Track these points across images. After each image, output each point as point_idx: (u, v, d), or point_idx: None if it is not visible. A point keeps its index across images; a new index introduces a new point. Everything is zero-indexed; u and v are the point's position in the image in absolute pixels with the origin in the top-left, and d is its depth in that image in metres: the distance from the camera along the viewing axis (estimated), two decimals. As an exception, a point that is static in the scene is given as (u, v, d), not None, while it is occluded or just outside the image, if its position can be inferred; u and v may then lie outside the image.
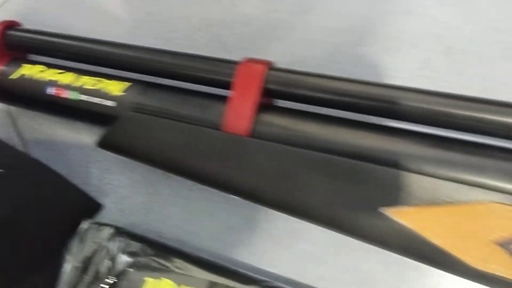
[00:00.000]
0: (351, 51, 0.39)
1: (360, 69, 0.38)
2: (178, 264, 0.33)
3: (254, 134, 0.32)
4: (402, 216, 0.28)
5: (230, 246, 0.37)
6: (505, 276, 0.26)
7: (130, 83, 0.37)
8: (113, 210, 0.41)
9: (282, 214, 0.33)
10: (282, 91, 0.33)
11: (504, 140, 0.27)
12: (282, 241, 0.37)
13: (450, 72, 0.36)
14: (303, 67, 0.33)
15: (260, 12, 0.42)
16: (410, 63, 0.37)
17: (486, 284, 0.28)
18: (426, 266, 0.29)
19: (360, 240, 0.30)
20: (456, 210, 0.27)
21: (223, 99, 0.33)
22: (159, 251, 0.34)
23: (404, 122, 0.29)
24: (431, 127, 0.29)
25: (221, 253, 0.37)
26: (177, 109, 0.34)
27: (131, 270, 0.34)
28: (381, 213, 0.28)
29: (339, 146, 0.30)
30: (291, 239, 0.36)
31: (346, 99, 0.31)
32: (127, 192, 0.41)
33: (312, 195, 0.31)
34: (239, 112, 0.32)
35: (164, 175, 0.39)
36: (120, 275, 0.34)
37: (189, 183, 0.36)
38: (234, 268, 0.35)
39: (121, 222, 0.39)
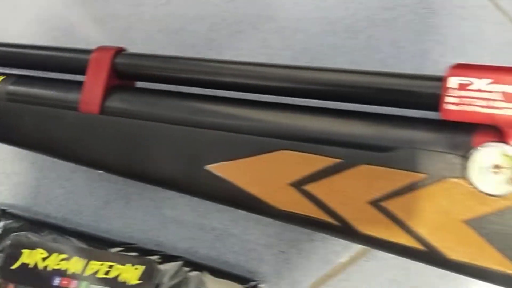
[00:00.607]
0: (205, 36, 0.44)
1: (212, 51, 0.43)
2: (52, 236, 0.38)
3: (104, 111, 0.36)
4: (222, 171, 0.33)
5: (107, 219, 0.42)
6: (302, 213, 0.32)
7: (3, 77, 0.41)
8: (8, 196, 0.45)
9: (149, 185, 0.38)
10: (131, 73, 0.38)
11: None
12: (150, 210, 0.42)
13: (282, 48, 0.41)
14: (165, 52, 0.37)
15: (128, 7, 0.47)
16: (252, 43, 0.42)
17: (292, 223, 0.33)
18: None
19: (195, 196, 0.36)
20: (259, 160, 0.32)
21: (80, 83, 0.37)
22: (36, 227, 0.39)
23: (223, 91, 0.34)
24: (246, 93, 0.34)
25: (100, 226, 0.42)
26: (42, 95, 0.39)
27: (11, 244, 0.38)
28: (206, 170, 0.34)
29: (173, 116, 0.35)
30: (157, 207, 0.41)
31: (185, 75, 0.36)
32: (19, 178, 0.46)
33: (155, 162, 0.36)
34: (90, 93, 0.37)
35: (50, 160, 0.43)
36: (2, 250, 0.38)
37: (71, 165, 0.40)
38: (105, 236, 0.39)
39: (15, 207, 0.43)
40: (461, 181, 0.27)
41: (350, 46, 0.39)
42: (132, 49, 0.37)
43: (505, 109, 0.27)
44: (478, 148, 0.26)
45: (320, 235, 0.37)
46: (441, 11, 0.37)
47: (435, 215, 0.28)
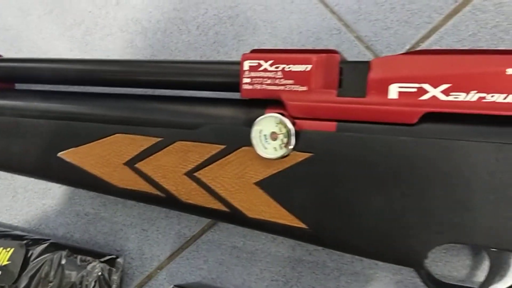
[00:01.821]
0: (81, 40, 0.48)
1: (87, 54, 0.47)
2: None
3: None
4: (70, 157, 0.37)
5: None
6: (137, 189, 0.36)
7: None
8: None
9: (33, 178, 0.42)
10: (7, 76, 0.41)
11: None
12: (34, 201, 0.45)
13: (145, 47, 0.45)
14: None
15: (16, 18, 0.51)
16: (120, 43, 0.46)
17: (131, 199, 0.37)
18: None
19: (55, 182, 0.40)
20: (99, 144, 0.36)
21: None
22: None
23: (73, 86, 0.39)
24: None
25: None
26: None
27: None
28: (58, 157, 0.38)
29: (33, 112, 0.39)
30: (40, 198, 0.45)
31: (48, 74, 0.40)
32: None
33: (24, 152, 0.40)
34: None
35: None
36: None
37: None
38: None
39: None
40: (250, 149, 0.31)
41: (202, 42, 0.44)
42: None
43: (284, 85, 0.31)
44: (258, 119, 0.31)
45: (175, 213, 0.41)
46: (274, 6, 0.42)
47: (233, 179, 0.32)
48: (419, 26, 0.37)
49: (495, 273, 0.30)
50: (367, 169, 0.29)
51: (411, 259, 0.29)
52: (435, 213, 0.28)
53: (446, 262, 0.34)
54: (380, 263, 0.35)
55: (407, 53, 0.30)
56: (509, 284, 0.29)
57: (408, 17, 0.38)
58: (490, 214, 0.27)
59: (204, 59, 0.43)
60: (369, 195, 0.29)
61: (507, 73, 0.26)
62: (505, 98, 0.27)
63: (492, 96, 0.27)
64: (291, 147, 0.30)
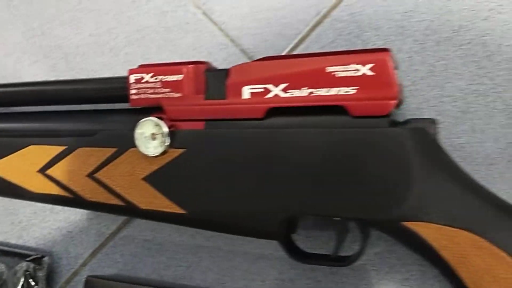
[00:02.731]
0: (12, 68, 0.53)
1: (16, 79, 0.53)
2: None
3: None
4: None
5: None
6: (49, 193, 0.41)
7: None
8: None
9: None
10: None
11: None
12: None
13: (67, 70, 0.51)
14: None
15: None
16: (45, 68, 0.52)
17: (46, 202, 0.42)
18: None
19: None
20: (17, 155, 0.41)
21: None
22: None
23: None
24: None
25: None
26: None
27: None
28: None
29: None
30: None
31: None
32: None
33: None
34: None
35: None
36: None
37: None
38: None
39: None
40: (136, 149, 0.37)
41: (114, 62, 0.50)
42: None
43: (163, 93, 0.37)
44: (139, 123, 0.36)
45: (95, 214, 0.46)
46: (173, 28, 0.48)
47: (125, 177, 0.38)
48: (290, 37, 0.44)
49: (342, 241, 0.35)
50: (230, 158, 0.35)
51: (270, 232, 0.34)
52: (283, 191, 0.33)
53: (316, 236, 0.39)
54: (268, 243, 0.40)
55: (257, 60, 0.35)
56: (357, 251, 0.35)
57: (281, 29, 0.44)
58: (326, 188, 0.32)
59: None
60: (232, 180, 0.35)
61: (327, 70, 0.32)
62: (327, 91, 0.32)
63: (318, 90, 0.33)
64: (167, 144, 0.36)
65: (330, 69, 0.32)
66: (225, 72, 0.36)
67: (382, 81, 0.31)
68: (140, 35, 0.49)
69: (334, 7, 0.42)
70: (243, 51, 0.45)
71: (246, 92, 0.35)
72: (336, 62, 0.32)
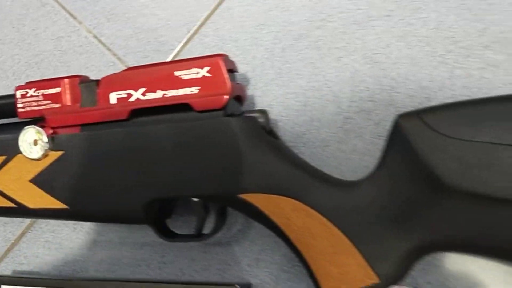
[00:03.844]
0: None
1: None
2: None
3: None
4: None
5: None
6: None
7: None
8: None
9: None
10: None
11: None
12: None
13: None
14: None
15: None
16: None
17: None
18: None
19: None
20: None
21: None
22: None
23: None
24: None
25: None
26: None
27: None
28: None
29: None
30: None
31: None
32: None
33: None
34: None
35: None
36: None
37: None
38: None
39: None
40: (22, 155, 0.42)
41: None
42: None
43: (45, 105, 0.42)
44: (22, 131, 0.42)
45: (2, 221, 0.50)
46: (68, 50, 0.53)
47: (15, 181, 0.43)
48: (167, 53, 0.50)
49: (203, 220, 0.41)
50: (101, 155, 0.40)
51: (138, 217, 0.40)
52: (144, 179, 0.39)
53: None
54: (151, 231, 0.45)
55: (123, 70, 0.42)
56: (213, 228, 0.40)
57: (159, 46, 0.50)
58: (177, 173, 0.38)
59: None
60: (104, 174, 0.40)
61: (175, 74, 0.39)
62: (176, 92, 0.39)
63: (169, 92, 0.39)
64: (47, 148, 0.41)
65: (177, 73, 0.39)
66: (96, 82, 0.41)
67: (217, 80, 0.38)
68: (39, 58, 0.55)
69: (201, 24, 0.49)
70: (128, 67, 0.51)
71: (113, 97, 0.41)
72: (181, 67, 0.39)
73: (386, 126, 0.37)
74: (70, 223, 0.49)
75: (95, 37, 0.53)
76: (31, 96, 0.43)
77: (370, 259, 0.35)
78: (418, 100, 0.41)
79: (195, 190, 0.38)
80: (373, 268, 0.34)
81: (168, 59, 0.50)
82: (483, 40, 0.41)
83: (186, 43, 0.50)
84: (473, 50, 0.41)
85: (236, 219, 0.43)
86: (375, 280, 0.34)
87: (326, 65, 0.44)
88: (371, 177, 0.36)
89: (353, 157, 0.42)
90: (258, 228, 0.42)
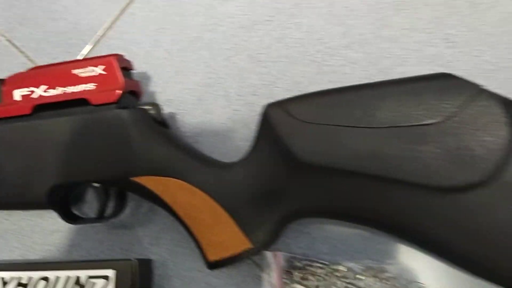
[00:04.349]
0: None
1: None
2: None
3: None
4: None
5: None
6: None
7: None
8: None
9: None
10: None
11: None
12: None
13: None
14: None
15: None
16: None
17: None
18: None
19: None
20: None
21: None
22: None
23: None
24: None
25: None
26: None
27: None
28: None
29: None
30: None
31: None
32: None
33: None
34: None
35: None
36: None
37: None
38: None
39: None
40: None
41: None
42: None
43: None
44: None
45: None
46: (-19, 53, 0.56)
47: None
48: (75, 54, 0.54)
49: (105, 204, 0.45)
50: (8, 147, 0.44)
51: (43, 202, 0.44)
52: (46, 167, 0.43)
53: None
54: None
55: (28, 70, 0.45)
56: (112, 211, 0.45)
57: (67, 48, 0.54)
58: (75, 160, 0.42)
59: None
60: (12, 164, 0.44)
61: (73, 72, 0.43)
62: (74, 89, 0.43)
63: (67, 88, 0.43)
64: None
65: (75, 71, 0.43)
66: (2, 81, 0.45)
67: (111, 77, 0.42)
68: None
69: (108, 28, 0.54)
70: (39, 67, 0.55)
71: (17, 94, 0.44)
72: (79, 66, 0.43)
73: (261, 115, 0.43)
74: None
75: (8, 40, 0.56)
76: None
77: (245, 228, 0.40)
78: (294, 93, 0.47)
79: (92, 175, 0.42)
80: (247, 235, 0.40)
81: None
82: (345, 41, 0.48)
83: (94, 45, 0.54)
84: (337, 50, 0.48)
85: (140, 203, 0.48)
86: (249, 245, 0.40)
87: (217, 64, 0.50)
88: (245, 159, 0.42)
89: (240, 143, 0.47)
90: (159, 211, 0.47)
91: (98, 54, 0.52)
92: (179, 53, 0.51)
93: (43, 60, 0.55)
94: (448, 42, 0.46)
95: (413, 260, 0.41)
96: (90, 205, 0.49)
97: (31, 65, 0.55)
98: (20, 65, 0.55)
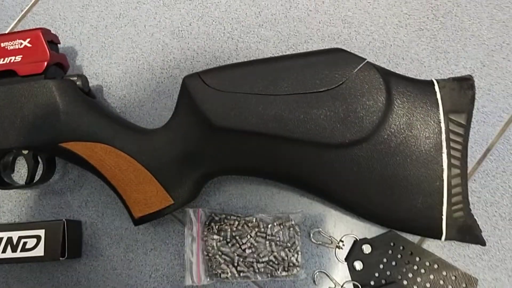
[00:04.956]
0: None
1: None
2: None
3: None
4: None
5: None
6: None
7: None
8: None
9: None
10: None
11: None
12: None
13: None
14: None
15: None
16: None
17: None
18: None
19: None
20: None
21: None
22: None
23: None
24: None
25: None
26: None
27: None
28: None
29: None
30: None
31: None
32: None
33: None
34: None
35: None
36: None
37: None
38: None
39: None
40: None
41: None
42: None
43: None
44: None
45: None
46: None
47: None
48: (2, 30, 0.56)
49: (34, 170, 0.48)
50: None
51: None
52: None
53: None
54: None
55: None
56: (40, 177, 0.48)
57: None
58: (10, 128, 0.45)
59: None
60: None
61: (1, 46, 0.45)
62: (2, 61, 0.45)
63: (-5, 60, 0.45)
64: None
65: (2, 44, 0.45)
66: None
67: (37, 49, 0.45)
68: None
69: (33, 4, 0.56)
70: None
71: None
72: (6, 39, 0.46)
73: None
74: None
75: None
76: None
77: (167, 187, 0.45)
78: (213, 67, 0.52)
79: (22, 143, 0.45)
80: (169, 193, 0.45)
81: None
82: (259, 20, 0.53)
83: (19, 20, 0.56)
84: (252, 28, 0.53)
85: (68, 170, 0.51)
86: (171, 202, 0.45)
87: (142, 39, 0.54)
88: (167, 125, 0.46)
89: (164, 113, 0.52)
90: (87, 176, 0.51)
91: (24, 28, 0.55)
92: (105, 29, 0.55)
93: None
94: (345, 23, 0.52)
95: (313, 209, 0.48)
96: (18, 173, 0.52)
97: None
98: None
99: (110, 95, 0.53)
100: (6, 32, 0.56)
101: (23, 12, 0.56)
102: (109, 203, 0.50)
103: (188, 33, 0.54)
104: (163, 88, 0.53)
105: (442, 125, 0.42)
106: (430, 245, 0.47)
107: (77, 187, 0.51)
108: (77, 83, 0.47)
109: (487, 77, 0.49)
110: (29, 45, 0.45)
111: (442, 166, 0.42)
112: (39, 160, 0.49)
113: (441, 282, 0.46)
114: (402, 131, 0.42)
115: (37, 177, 0.49)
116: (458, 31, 0.51)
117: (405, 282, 0.46)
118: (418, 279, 0.46)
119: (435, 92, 0.42)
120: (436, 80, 0.43)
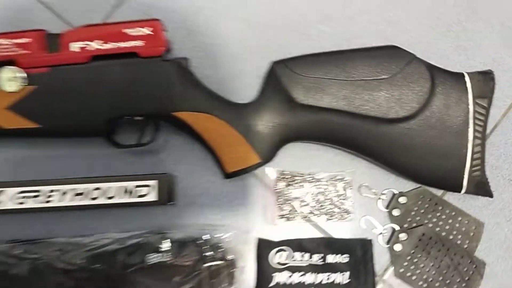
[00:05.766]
0: None
1: None
2: None
3: None
4: None
5: None
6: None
7: None
8: None
9: None
10: None
11: None
12: None
13: None
14: None
15: None
16: None
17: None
18: None
19: None
20: None
21: None
22: None
23: None
24: None
25: None
26: None
27: None
28: None
29: None
30: None
31: None
32: None
33: None
34: None
35: None
36: None
37: None
38: None
39: None
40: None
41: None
42: None
43: (15, 51, 0.56)
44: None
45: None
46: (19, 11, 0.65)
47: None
48: (101, 13, 0.66)
49: (143, 133, 0.60)
50: (69, 87, 0.56)
51: (99, 130, 0.57)
52: (104, 103, 0.56)
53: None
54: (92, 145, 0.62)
55: (78, 27, 0.57)
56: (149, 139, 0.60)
57: (94, 8, 0.66)
58: (126, 99, 0.56)
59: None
60: (71, 101, 0.56)
61: (123, 31, 0.56)
62: (126, 44, 0.57)
63: (120, 43, 0.56)
64: (23, 83, 0.56)
65: (125, 30, 0.57)
66: (58, 35, 0.57)
67: (156, 37, 0.57)
68: (-18, 12, 0.66)
69: (128, -7, 0.66)
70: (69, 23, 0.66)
71: (74, 46, 0.57)
72: (129, 26, 0.57)
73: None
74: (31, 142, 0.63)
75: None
76: (1, 44, 0.56)
77: (255, 148, 0.58)
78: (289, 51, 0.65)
79: (141, 110, 0.57)
80: (257, 153, 0.58)
81: (101, 18, 0.66)
82: (318, 18, 0.66)
83: (116, 6, 0.66)
84: (313, 24, 0.66)
85: (159, 135, 0.63)
86: (258, 160, 0.58)
87: (223, 28, 0.66)
88: (256, 100, 0.59)
89: (242, 91, 0.64)
90: (177, 141, 0.63)
91: (121, 16, 0.65)
92: (194, 15, 0.66)
93: (70, 16, 0.66)
94: (388, 22, 0.66)
95: (362, 169, 0.62)
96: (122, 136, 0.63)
97: (58, 21, 0.66)
98: (49, 20, 0.66)
99: (202, 74, 0.64)
100: (104, 16, 0.66)
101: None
102: (197, 163, 0.62)
103: (261, 25, 0.66)
104: (240, 69, 0.65)
105: (470, 107, 0.56)
106: (450, 197, 0.62)
107: (168, 150, 0.63)
108: (183, 64, 0.59)
109: (496, 71, 0.63)
110: (149, 32, 0.56)
111: (468, 137, 0.57)
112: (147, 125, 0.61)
113: (457, 225, 0.61)
114: (441, 110, 0.56)
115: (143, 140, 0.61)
116: (475, 33, 0.66)
117: (430, 225, 0.61)
118: (440, 223, 0.61)
119: (465, 82, 0.57)
120: (466, 72, 0.58)
